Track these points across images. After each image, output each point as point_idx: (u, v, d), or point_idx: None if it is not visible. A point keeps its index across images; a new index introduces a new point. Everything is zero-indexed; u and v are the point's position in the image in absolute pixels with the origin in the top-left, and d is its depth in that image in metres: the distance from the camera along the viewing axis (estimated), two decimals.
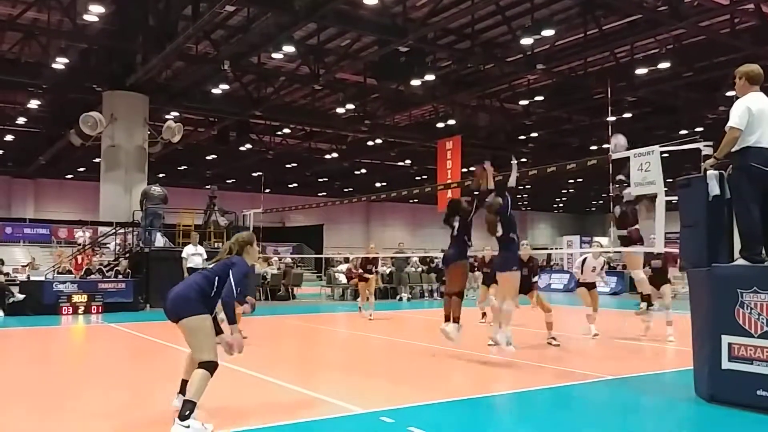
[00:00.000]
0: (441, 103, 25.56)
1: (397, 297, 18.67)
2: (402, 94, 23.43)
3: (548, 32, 16.35)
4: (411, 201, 49.67)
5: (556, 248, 37.57)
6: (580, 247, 26.20)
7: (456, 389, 5.97)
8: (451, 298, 7.46)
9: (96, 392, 5.80)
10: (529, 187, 46.51)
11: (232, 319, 4.50)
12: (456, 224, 7.64)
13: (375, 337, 10.00)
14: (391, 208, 52.95)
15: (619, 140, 8.36)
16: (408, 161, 37.03)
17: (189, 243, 12.79)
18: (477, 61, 20.79)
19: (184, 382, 4.68)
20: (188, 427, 4.16)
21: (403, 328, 11.99)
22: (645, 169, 6.46)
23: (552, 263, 33.72)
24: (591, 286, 10.14)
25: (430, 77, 20.97)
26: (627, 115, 24.26)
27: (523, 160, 34.55)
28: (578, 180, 41.46)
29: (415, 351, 8.45)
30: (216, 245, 17.07)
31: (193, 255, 12.33)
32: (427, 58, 20.56)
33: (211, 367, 4.32)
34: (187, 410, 4.20)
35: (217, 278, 4.52)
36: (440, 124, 27.46)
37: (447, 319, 7.44)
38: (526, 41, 17.50)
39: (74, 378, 6.61)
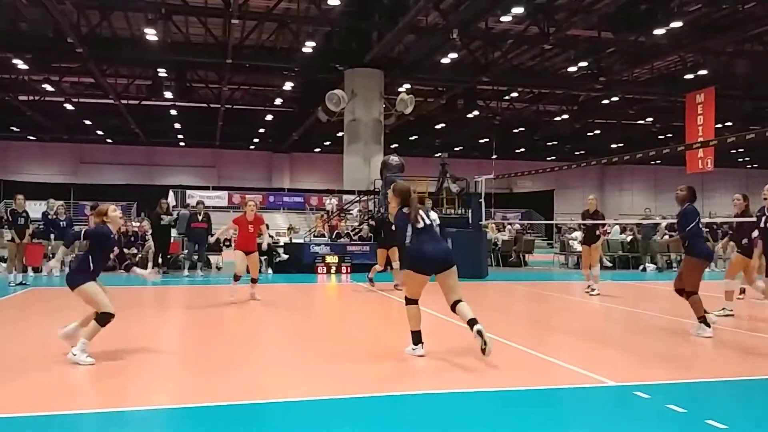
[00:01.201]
0: (689, 51, 22.99)
1: (640, 267, 17.41)
2: (642, 45, 21.56)
3: None
4: (653, 162, 45.75)
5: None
6: None
7: (717, 368, 5.49)
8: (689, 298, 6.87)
9: (337, 338, 6.50)
10: None
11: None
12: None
13: (615, 307, 9.54)
14: (629, 170, 49.54)
15: None
16: (649, 119, 34.09)
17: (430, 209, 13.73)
18: (734, 0, 18.19)
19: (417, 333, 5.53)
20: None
21: (645, 300, 11.25)
22: None
23: None
24: None
25: (676, 24, 18.97)
26: None
27: None
28: None
29: (663, 325, 7.90)
30: (449, 211, 17.71)
31: (436, 222, 13.19)
32: (672, 2, 18.55)
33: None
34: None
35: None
36: (689, 76, 24.74)
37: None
38: None
39: (329, 324, 7.48)
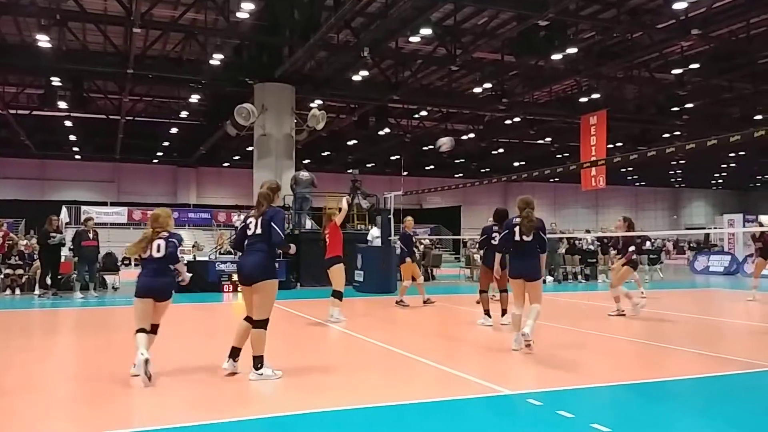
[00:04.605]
0: (584, 76, 24.40)
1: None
2: (542, 69, 22.69)
3: None
4: (552, 180, 48.08)
5: (715, 227, 34.56)
6: (744, 227, 23.89)
7: (604, 374, 5.82)
8: (501, 294, 8.84)
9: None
10: (682, 162, 43.15)
11: (288, 254, 5.86)
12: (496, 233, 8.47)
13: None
14: (530, 187, 51.64)
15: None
16: (548, 139, 35.87)
17: (375, 226, 14.15)
18: (624, 30, 19.58)
19: (235, 349, 5.46)
20: (262, 374, 5.12)
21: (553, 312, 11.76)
22: None
23: (710, 244, 31.10)
24: None
25: (572, 50, 20.10)
26: None
27: (677, 133, 32.15)
28: (740, 153, 37.71)
29: (559, 333, 8.30)
30: (359, 227, 17.81)
31: (377, 238, 13.38)
32: (568, 30, 19.71)
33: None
34: (257, 363, 5.17)
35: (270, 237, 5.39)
36: (583, 99, 26.27)
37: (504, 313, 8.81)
38: (679, 5, 16.20)
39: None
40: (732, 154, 39.09)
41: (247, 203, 28.28)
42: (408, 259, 11.28)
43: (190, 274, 6.28)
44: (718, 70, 22.48)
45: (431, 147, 38.88)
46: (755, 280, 12.54)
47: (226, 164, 43.49)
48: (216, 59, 21.24)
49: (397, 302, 11.32)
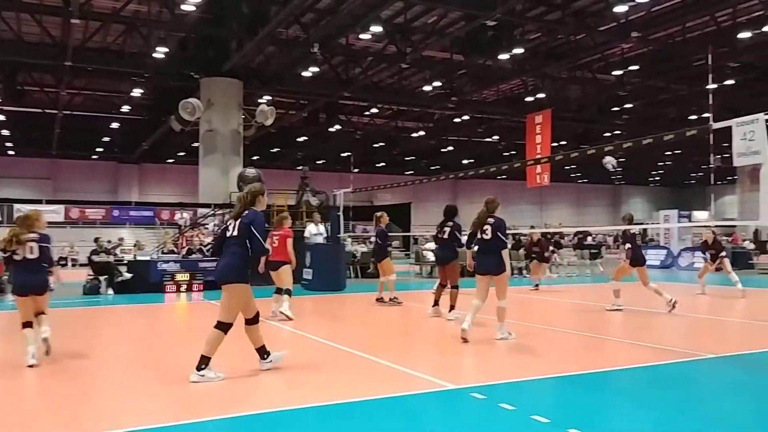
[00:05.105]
0: (530, 76, 24.98)
1: None
2: (489, 69, 23.08)
3: None
4: (499, 177, 48.94)
5: (652, 223, 35.92)
6: (678, 222, 24.92)
7: (546, 367, 5.98)
8: (452, 290, 8.97)
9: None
10: (623, 160, 44.67)
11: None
12: (447, 228, 9.05)
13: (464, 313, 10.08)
14: (479, 185, 52.49)
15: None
16: (496, 137, 36.53)
17: (311, 222, 13.81)
18: (568, 31, 20.14)
19: (263, 348, 5.49)
20: (203, 375, 5.04)
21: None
22: (749, 138, 6.12)
23: (648, 239, 32.32)
24: None
25: (518, 50, 20.53)
26: (729, 82, 22.74)
27: (617, 132, 33.25)
28: (676, 152, 39.35)
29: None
30: (308, 224, 17.71)
31: (315, 234, 13.15)
32: (515, 30, 20.12)
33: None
34: (203, 363, 5.07)
35: (247, 241, 5.24)
36: (529, 98, 26.87)
37: (436, 304, 9.27)
38: (620, 8, 16.77)
39: (166, 349, 7.17)
40: (668, 153, 40.73)
41: (193, 200, 27.76)
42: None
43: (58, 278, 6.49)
44: (655, 72, 23.36)
45: (382, 144, 39.07)
46: (701, 279, 12.99)
47: (170, 160, 42.51)
48: (160, 52, 20.77)
49: (390, 299, 11.03)
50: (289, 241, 8.97)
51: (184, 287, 13.42)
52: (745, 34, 18.66)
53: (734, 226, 17.51)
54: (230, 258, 5.28)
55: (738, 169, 26.66)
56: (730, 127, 6.46)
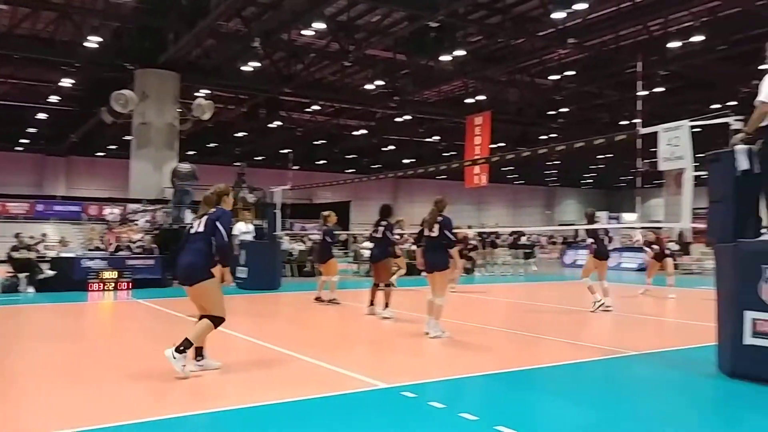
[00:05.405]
0: (471, 78, 25.32)
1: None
2: (432, 69, 23.25)
3: (580, 6, 16.03)
4: (439, 177, 49.45)
5: (584, 224, 37.11)
6: (608, 223, 25.87)
7: (477, 365, 6.04)
8: (385, 288, 9.14)
9: (109, 362, 6.02)
10: (557, 162, 45.99)
11: (228, 262, 5.41)
12: (381, 227, 9.18)
13: (402, 312, 10.10)
14: (419, 184, 52.96)
15: None
16: (437, 137, 36.87)
17: (240, 221, 13.51)
18: (508, 35, 20.50)
19: (197, 348, 5.32)
20: (176, 359, 4.99)
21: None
22: (674, 144, 6.37)
23: (579, 240, 33.40)
24: None
25: (460, 52, 20.76)
26: (659, 89, 23.73)
27: (553, 135, 34.19)
28: (607, 156, 40.80)
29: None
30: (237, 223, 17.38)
31: (245, 233, 12.86)
32: (457, 33, 20.34)
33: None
34: (182, 346, 5.03)
35: (212, 238, 5.23)
36: (470, 100, 27.23)
37: (372, 304, 9.30)
38: (558, 15, 17.19)
39: (90, 350, 6.87)
40: (600, 156, 42.17)
41: (123, 195, 26.78)
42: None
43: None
44: (590, 78, 24.12)
45: (323, 141, 38.80)
46: (648, 279, 13.35)
47: (100, 153, 40.87)
48: (93, 42, 19.95)
49: (330, 300, 10.88)
50: None
51: (110, 286, 12.90)
52: (674, 44, 19.50)
53: (660, 228, 18.33)
54: (193, 256, 5.24)
55: (665, 173, 27.89)
56: (656, 133, 6.70)
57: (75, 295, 12.06)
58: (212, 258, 5.27)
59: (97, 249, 15.18)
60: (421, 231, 7.59)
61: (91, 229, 17.64)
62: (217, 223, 5.21)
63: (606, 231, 10.46)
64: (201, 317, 5.30)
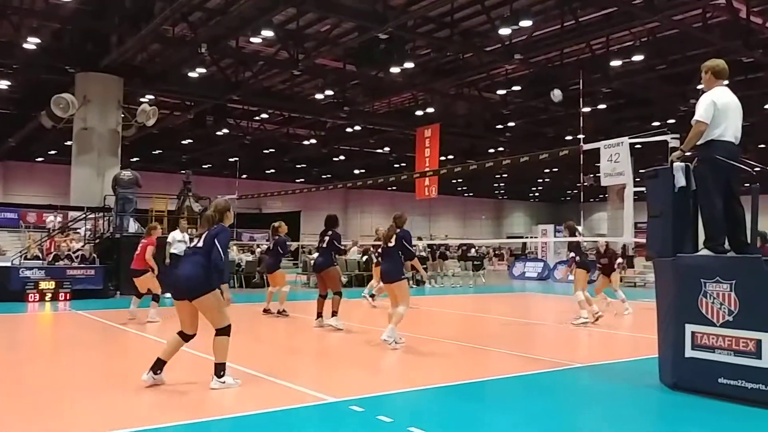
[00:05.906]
0: (420, 90, 25.54)
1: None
2: (381, 81, 23.35)
3: (526, 23, 16.44)
4: (389, 188, 49.72)
5: (532, 237, 37.98)
6: (555, 236, 26.49)
7: (426, 377, 6.04)
8: (334, 296, 9.09)
9: (43, 378, 5.76)
10: (505, 176, 46.89)
11: (224, 280, 5.36)
12: (327, 237, 9.21)
13: (351, 324, 10.03)
14: (369, 195, 53.03)
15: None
16: (387, 148, 37.02)
17: (177, 229, 13.09)
18: (456, 49, 20.81)
19: (160, 361, 5.27)
20: (224, 382, 5.13)
21: (374, 316, 12.05)
22: (614, 160, 6.57)
23: (527, 252, 34.11)
24: None
25: (409, 65, 20.93)
26: (601, 106, 24.53)
27: (501, 149, 34.85)
28: (554, 170, 41.86)
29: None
30: (191, 231, 16.95)
31: (179, 242, 12.43)
32: (406, 45, 20.51)
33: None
34: (218, 372, 5.15)
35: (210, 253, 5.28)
36: (419, 112, 27.48)
37: (319, 316, 9.23)
38: (505, 31, 17.55)
39: (24, 363, 6.55)
40: (546, 170, 43.25)
41: (64, 202, 25.74)
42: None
43: None
44: (535, 93, 24.71)
45: (272, 150, 38.42)
46: (599, 294, 13.17)
47: (39, 159, 39.30)
48: (31, 43, 19.16)
49: (279, 312, 10.70)
50: (149, 249, 9.45)
51: (48, 296, 12.37)
52: (616, 62, 20.22)
53: (607, 242, 18.86)
54: (192, 269, 5.27)
55: (608, 188, 28.76)
56: (599, 148, 6.91)
57: (11, 306, 11.54)
58: (211, 271, 5.26)
59: (36, 258, 14.55)
60: (382, 246, 7.93)
61: (29, 237, 16.88)
62: (216, 240, 5.29)
63: (578, 244, 10.41)
64: (179, 333, 5.33)
